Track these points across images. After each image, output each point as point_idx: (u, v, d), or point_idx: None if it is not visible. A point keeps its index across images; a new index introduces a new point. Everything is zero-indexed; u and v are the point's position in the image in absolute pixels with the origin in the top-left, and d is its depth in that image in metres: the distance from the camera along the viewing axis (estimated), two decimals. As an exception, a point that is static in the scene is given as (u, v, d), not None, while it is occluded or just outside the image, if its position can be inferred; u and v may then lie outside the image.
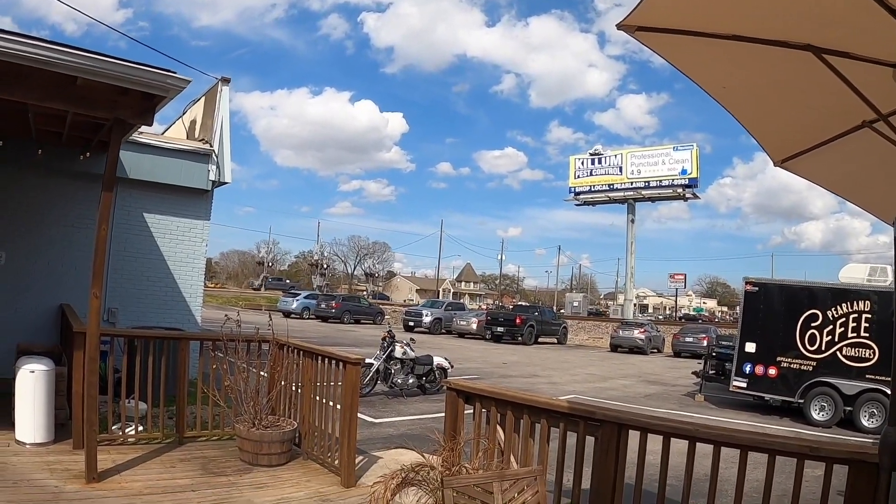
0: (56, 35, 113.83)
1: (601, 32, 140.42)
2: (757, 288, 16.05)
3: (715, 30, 2.97)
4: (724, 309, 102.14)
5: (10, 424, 7.53)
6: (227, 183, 12.81)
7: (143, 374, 7.60)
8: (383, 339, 14.65)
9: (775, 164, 3.93)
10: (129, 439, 7.71)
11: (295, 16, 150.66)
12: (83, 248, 11.10)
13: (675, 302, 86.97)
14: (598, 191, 62.96)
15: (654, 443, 4.53)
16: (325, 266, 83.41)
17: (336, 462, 6.98)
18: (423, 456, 4.75)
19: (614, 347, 37.58)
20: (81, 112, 7.08)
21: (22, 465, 6.67)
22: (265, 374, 7.96)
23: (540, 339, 38.85)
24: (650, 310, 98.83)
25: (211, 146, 12.49)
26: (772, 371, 15.31)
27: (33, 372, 7.36)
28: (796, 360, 14.98)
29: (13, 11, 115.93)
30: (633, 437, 4.67)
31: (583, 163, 64.34)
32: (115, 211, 6.70)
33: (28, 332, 10.65)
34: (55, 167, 11.12)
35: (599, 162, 63.01)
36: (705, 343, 29.49)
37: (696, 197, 61.21)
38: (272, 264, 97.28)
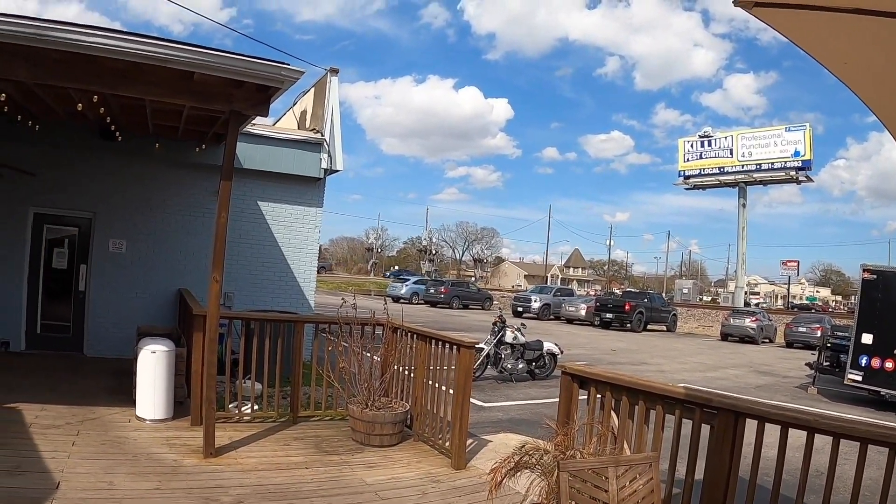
0: (164, 36, 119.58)
1: (705, 10, 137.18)
2: (875, 276, 15.21)
3: (835, 3, 2.84)
4: (839, 298, 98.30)
5: (131, 401, 7.95)
6: (338, 171, 13.04)
7: (260, 356, 7.84)
8: (494, 323, 14.68)
9: (899, 144, 3.75)
10: (245, 418, 7.98)
11: (396, 6, 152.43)
12: (199, 236, 11.60)
13: (788, 290, 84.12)
14: (708, 174, 61.45)
15: (769, 435, 4.40)
16: (433, 252, 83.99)
17: (447, 444, 7.05)
18: (535, 440, 4.75)
19: (724, 336, 36.50)
20: (198, 105, 7.33)
21: (142, 439, 7.01)
22: (378, 358, 8.08)
23: (649, 327, 38.18)
24: (761, 297, 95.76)
25: (322, 135, 12.73)
26: (889, 364, 14.42)
27: (154, 352, 7.73)
28: (914, 355, 14.14)
29: (121, 16, 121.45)
30: (749, 427, 4.55)
31: (692, 145, 62.88)
32: (231, 199, 6.91)
33: (148, 315, 11.23)
34: (172, 159, 11.60)
35: (709, 144, 61.46)
36: (819, 333, 28.34)
37: (809, 180, 59.13)
38: (381, 250, 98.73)
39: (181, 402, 8.11)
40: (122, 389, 8.75)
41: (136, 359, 7.92)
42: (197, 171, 11.93)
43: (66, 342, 11.57)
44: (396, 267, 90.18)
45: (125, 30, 6.62)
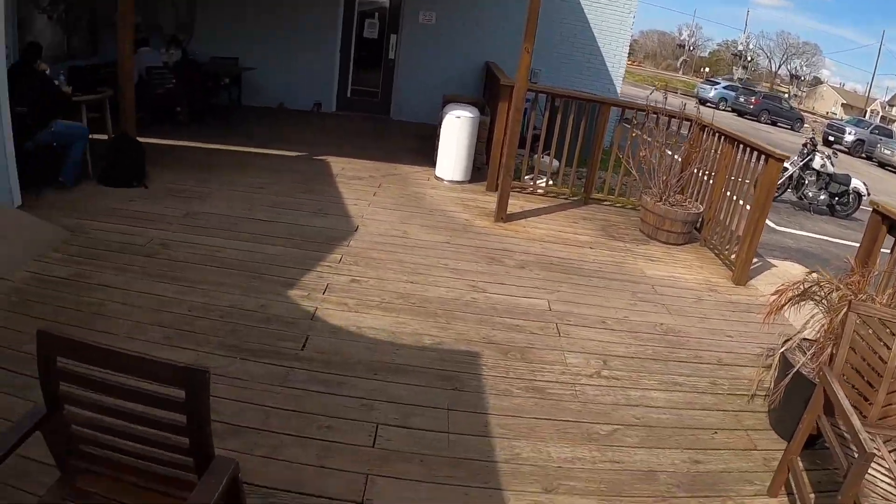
0: None
1: None
2: None
3: None
4: None
5: (431, 162, 8.61)
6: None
7: (561, 134, 7.93)
8: (804, 145, 13.71)
9: None
10: (539, 191, 8.29)
11: None
12: (508, 9, 11.54)
13: None
14: None
15: None
16: (748, 59, 77.92)
17: (732, 256, 6.88)
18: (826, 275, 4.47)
19: None
20: None
21: (438, 197, 7.59)
22: (678, 157, 7.84)
23: None
24: None
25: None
26: None
27: (458, 118, 8.09)
28: None
29: None
30: None
31: None
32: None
33: (453, 85, 11.66)
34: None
35: None
36: None
37: None
38: (692, 49, 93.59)
39: (479, 169, 8.54)
40: (424, 151, 9.36)
41: (440, 124, 8.35)
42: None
43: (373, 106, 12.55)
44: (707, 69, 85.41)
45: None
